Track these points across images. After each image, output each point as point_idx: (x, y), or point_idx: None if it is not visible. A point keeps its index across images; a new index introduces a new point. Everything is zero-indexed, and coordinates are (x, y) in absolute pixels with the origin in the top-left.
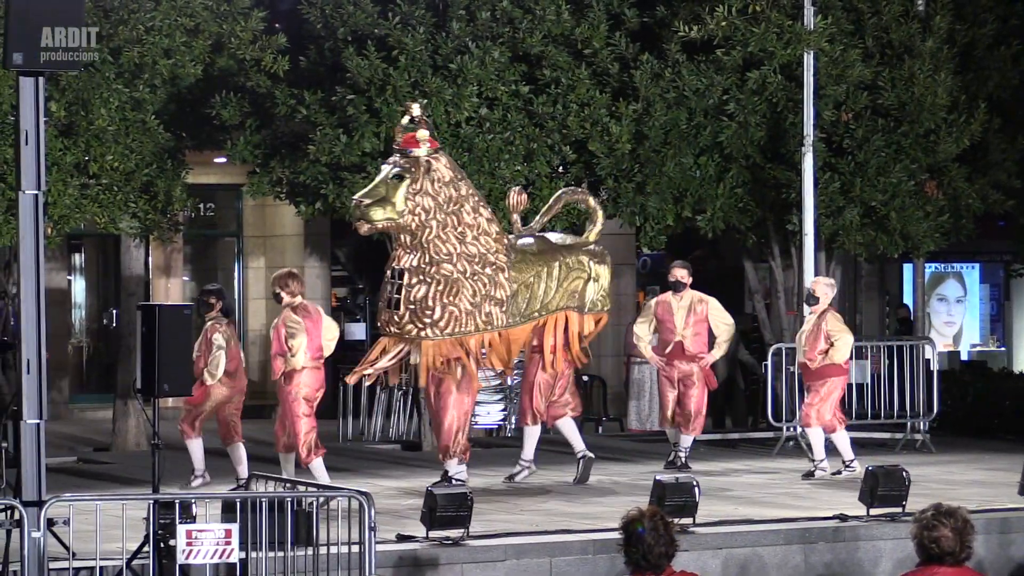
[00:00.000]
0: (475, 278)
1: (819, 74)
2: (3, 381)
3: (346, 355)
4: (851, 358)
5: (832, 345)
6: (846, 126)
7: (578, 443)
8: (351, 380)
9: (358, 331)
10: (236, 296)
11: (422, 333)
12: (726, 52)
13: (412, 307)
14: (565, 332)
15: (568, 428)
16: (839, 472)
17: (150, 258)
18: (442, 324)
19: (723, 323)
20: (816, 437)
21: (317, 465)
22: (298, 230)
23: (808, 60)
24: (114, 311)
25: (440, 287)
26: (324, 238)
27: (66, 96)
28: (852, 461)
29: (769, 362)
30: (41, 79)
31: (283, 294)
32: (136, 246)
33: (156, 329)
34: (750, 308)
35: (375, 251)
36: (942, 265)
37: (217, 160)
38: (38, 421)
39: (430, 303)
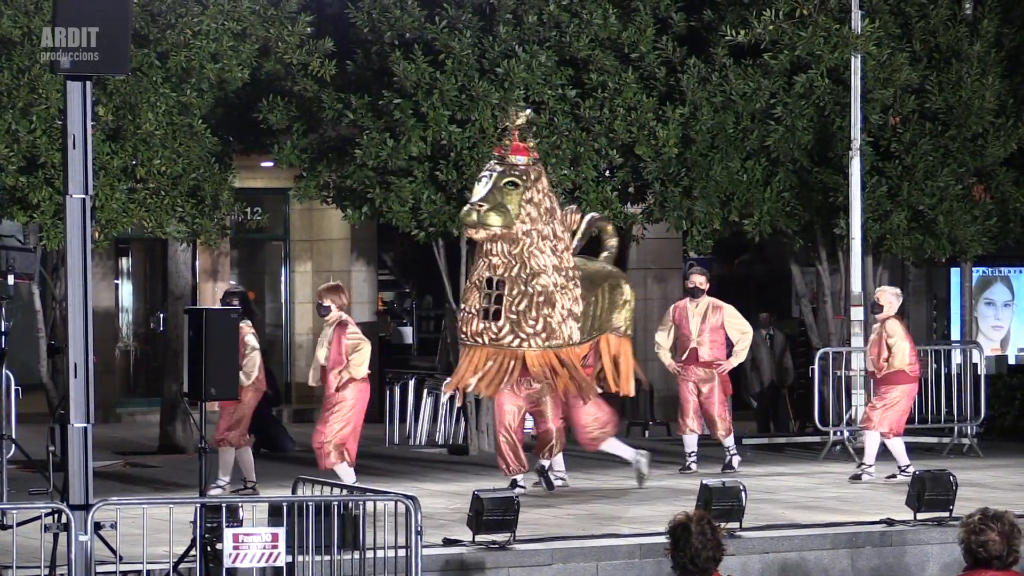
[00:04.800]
0: (563, 292)
1: (866, 78)
2: (51, 385)
3: (393, 359)
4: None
5: (890, 351)
6: (893, 130)
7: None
8: (447, 391)
9: (405, 335)
10: (283, 300)
11: (524, 344)
12: (773, 56)
13: (513, 318)
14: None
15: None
16: (894, 476)
17: (197, 262)
18: (543, 335)
19: (739, 331)
20: (872, 440)
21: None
22: (345, 234)
23: (855, 64)
24: (161, 315)
25: (540, 298)
26: (371, 242)
27: (113, 100)
28: (908, 466)
29: (816, 366)
30: (88, 83)
31: (333, 306)
32: (183, 250)
33: (203, 333)
34: (797, 312)
35: (422, 256)
36: (990, 269)
37: (264, 164)
38: (85, 425)
39: (533, 313)
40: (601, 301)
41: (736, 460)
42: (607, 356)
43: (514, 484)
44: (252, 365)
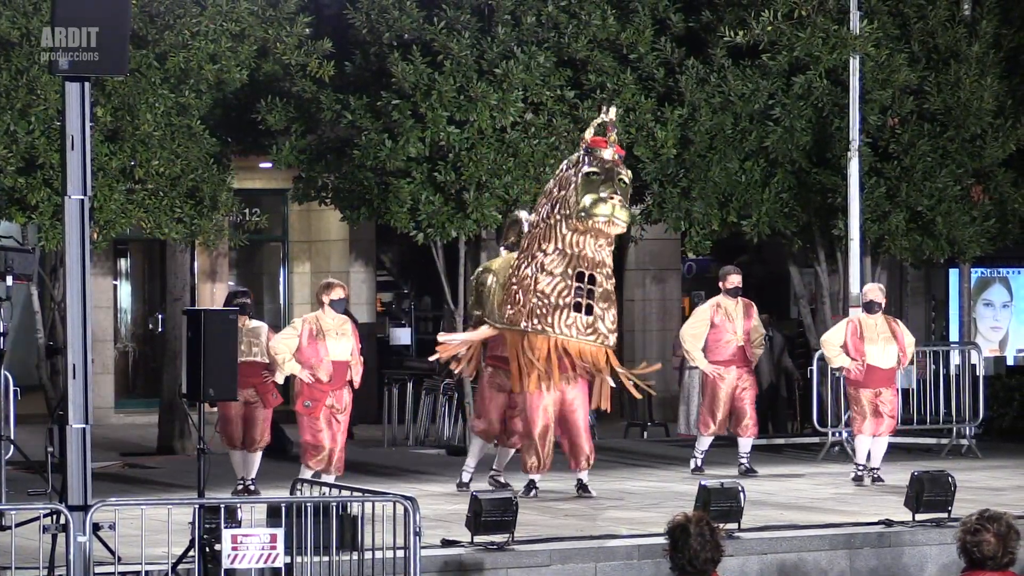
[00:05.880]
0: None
1: (865, 79)
2: (49, 386)
3: (391, 360)
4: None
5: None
6: (892, 131)
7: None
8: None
9: (403, 336)
10: (282, 301)
11: (605, 341)
12: (772, 57)
13: (600, 313)
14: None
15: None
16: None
17: (196, 263)
18: (616, 334)
19: (761, 329)
20: (884, 444)
21: None
22: (343, 235)
23: (854, 65)
24: (160, 316)
25: (613, 296)
26: (369, 243)
27: (112, 101)
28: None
29: (815, 367)
30: (87, 84)
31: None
32: (182, 251)
33: (202, 334)
34: (795, 313)
35: (420, 257)
36: (988, 270)
37: (263, 165)
38: (84, 425)
39: (613, 311)
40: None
41: (745, 468)
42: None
43: (532, 485)
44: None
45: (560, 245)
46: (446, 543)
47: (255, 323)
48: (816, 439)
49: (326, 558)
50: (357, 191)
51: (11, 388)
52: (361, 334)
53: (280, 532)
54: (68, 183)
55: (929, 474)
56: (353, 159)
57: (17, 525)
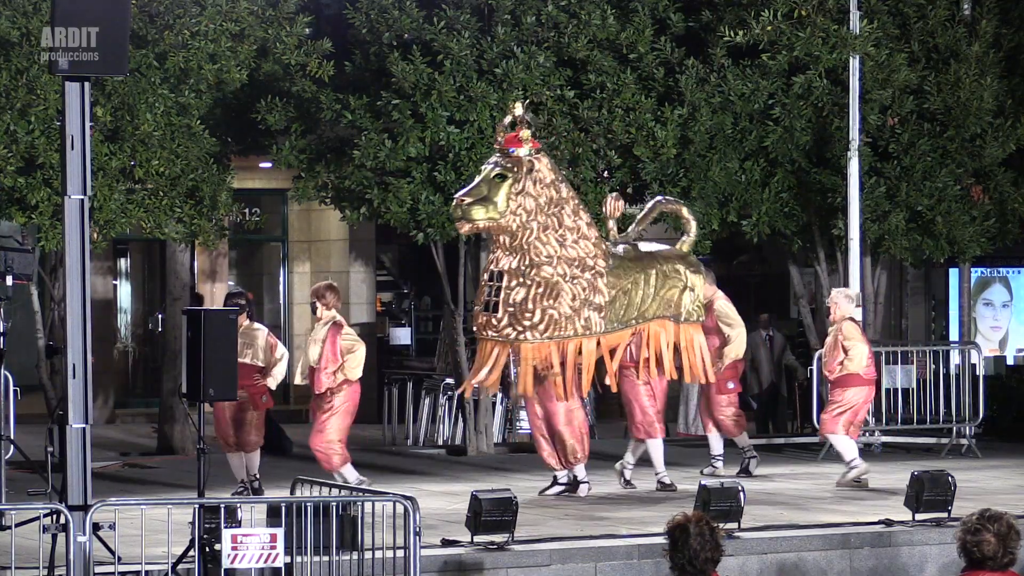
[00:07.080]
0: (574, 282)
1: (865, 78)
2: (49, 386)
3: (391, 360)
4: (878, 367)
5: (847, 354)
6: (892, 130)
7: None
8: (467, 393)
9: (403, 336)
10: (282, 301)
11: (521, 336)
12: (771, 57)
13: (511, 310)
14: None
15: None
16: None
17: (195, 263)
18: (541, 327)
19: (725, 324)
20: (841, 442)
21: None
22: (343, 235)
23: (854, 64)
24: (160, 316)
25: (540, 289)
26: (369, 243)
27: (112, 101)
28: (853, 460)
29: (814, 367)
30: (87, 84)
31: (320, 305)
32: (181, 251)
33: (202, 334)
34: (795, 313)
35: (420, 256)
36: (988, 270)
37: (262, 165)
38: (84, 425)
39: (530, 305)
40: (644, 286)
41: (753, 463)
42: (653, 345)
43: (555, 481)
44: (282, 371)
45: (492, 247)
46: (446, 543)
47: (255, 325)
48: (816, 439)
49: (326, 558)
50: (357, 191)
51: (11, 388)
52: (361, 334)
53: (280, 532)
54: (68, 183)
55: (929, 474)
56: (353, 159)
57: (17, 525)
